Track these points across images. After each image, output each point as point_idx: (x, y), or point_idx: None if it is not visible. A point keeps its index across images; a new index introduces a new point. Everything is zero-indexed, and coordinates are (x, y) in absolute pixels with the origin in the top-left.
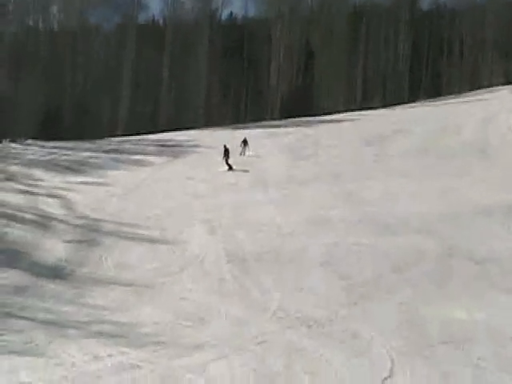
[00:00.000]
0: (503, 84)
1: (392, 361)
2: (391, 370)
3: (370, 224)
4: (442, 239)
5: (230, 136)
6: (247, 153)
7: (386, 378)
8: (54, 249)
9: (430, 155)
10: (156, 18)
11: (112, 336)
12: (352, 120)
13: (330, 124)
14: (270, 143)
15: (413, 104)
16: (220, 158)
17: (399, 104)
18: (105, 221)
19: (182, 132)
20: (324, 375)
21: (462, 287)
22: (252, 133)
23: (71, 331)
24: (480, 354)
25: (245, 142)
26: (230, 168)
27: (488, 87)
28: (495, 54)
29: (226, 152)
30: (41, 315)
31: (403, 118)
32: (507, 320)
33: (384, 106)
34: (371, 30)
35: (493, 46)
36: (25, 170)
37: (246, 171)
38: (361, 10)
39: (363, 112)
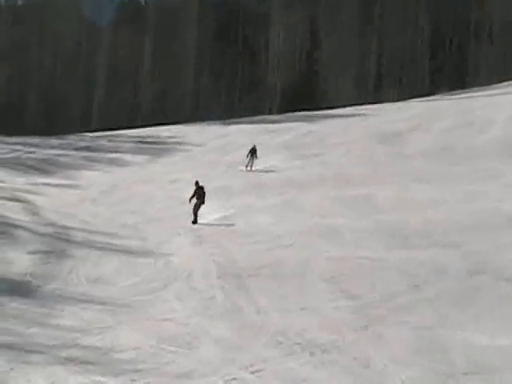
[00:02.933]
0: None
1: None
2: None
3: (383, 235)
4: (467, 253)
5: (221, 132)
6: (254, 167)
7: None
8: (16, 261)
9: (453, 155)
10: None
11: (84, 362)
12: (363, 114)
13: (338, 119)
14: (268, 141)
15: (434, 96)
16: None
17: (418, 96)
18: (75, 229)
19: (166, 127)
20: None
21: (489, 309)
22: (247, 128)
23: (36, 356)
24: None
25: (253, 151)
26: (195, 221)
27: None
28: None
29: (200, 191)
30: (1, 338)
31: (422, 113)
32: None
33: (400, 99)
34: (386, 9)
35: None
36: None
37: (242, 174)
38: None
39: (376, 105)
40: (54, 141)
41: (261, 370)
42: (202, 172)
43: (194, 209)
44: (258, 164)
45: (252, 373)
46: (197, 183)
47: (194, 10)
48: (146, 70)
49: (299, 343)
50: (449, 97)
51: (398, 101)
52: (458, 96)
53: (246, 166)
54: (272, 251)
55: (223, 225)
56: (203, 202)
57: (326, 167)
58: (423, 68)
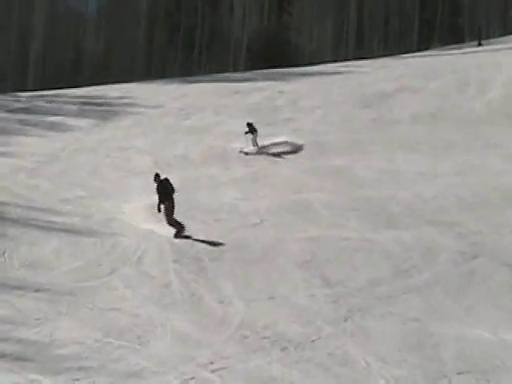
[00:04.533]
0: None
1: None
2: None
3: (366, 213)
4: (462, 234)
5: (178, 92)
6: (259, 144)
7: None
8: None
9: (447, 121)
10: None
11: (18, 359)
12: (343, 73)
13: (314, 78)
14: (233, 103)
15: (424, 52)
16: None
17: (406, 52)
18: (8, 204)
19: (115, 86)
20: None
21: (488, 298)
22: (208, 88)
23: None
24: None
25: (251, 128)
26: (179, 231)
27: None
28: None
29: (165, 186)
30: None
31: (411, 72)
32: None
33: (386, 55)
34: None
35: None
36: None
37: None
38: None
39: (358, 62)
40: None
41: (223, 369)
42: (157, 139)
43: (166, 217)
44: (221, 128)
45: (213, 371)
46: (157, 177)
47: None
48: (90, 20)
49: (268, 337)
50: (441, 54)
51: (383, 57)
52: (451, 52)
53: (255, 145)
54: (237, 231)
55: (181, 200)
56: (172, 203)
57: (299, 135)
58: (412, 20)
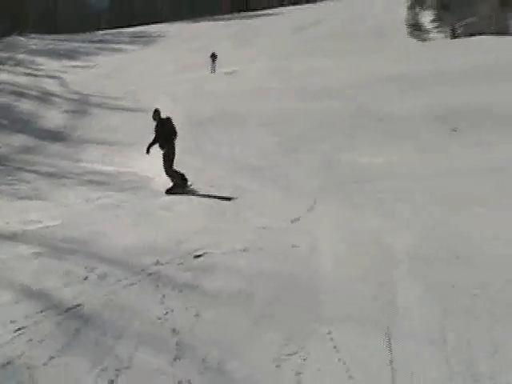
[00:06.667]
0: None
1: (314, 195)
2: (314, 201)
3: (298, 93)
4: (353, 102)
5: (187, 28)
6: (217, 69)
7: (310, 207)
8: (54, 118)
9: (341, 39)
10: None
11: (100, 184)
12: (283, 13)
13: (266, 17)
14: (221, 32)
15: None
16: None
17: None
18: (92, 95)
19: (153, 25)
20: (261, 206)
21: (368, 139)
22: (206, 25)
23: (69, 181)
24: (380, 189)
25: (214, 56)
26: (178, 185)
27: None
28: None
29: (166, 127)
30: (45, 169)
31: (322, 11)
32: (400, 162)
33: (308, 1)
34: None
35: None
36: (30, 57)
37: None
38: None
39: (291, 7)
40: (76, 37)
41: (218, 185)
42: (176, 54)
43: (164, 165)
44: (214, 47)
45: (212, 186)
46: (156, 113)
47: None
48: None
49: (242, 166)
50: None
51: (306, 3)
52: None
53: (211, 71)
54: (225, 105)
55: (191, 88)
56: (173, 149)
57: (260, 49)
58: None
